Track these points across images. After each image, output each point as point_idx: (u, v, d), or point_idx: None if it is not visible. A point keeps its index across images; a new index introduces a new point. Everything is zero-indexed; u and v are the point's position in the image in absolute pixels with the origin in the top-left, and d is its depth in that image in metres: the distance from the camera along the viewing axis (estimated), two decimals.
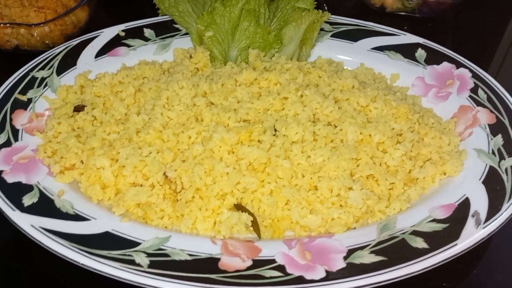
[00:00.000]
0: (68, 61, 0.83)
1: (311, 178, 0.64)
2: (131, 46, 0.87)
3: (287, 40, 0.84)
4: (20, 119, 0.74)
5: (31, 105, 0.76)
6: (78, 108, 0.75)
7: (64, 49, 0.84)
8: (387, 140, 0.67)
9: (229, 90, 0.74)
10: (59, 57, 0.83)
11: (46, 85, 0.79)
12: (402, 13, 1.02)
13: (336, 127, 0.69)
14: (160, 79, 0.78)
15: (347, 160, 0.64)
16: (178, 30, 0.90)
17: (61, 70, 0.82)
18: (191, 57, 0.83)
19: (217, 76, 0.77)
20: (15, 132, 0.71)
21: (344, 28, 0.89)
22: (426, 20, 1.01)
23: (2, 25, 0.86)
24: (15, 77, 0.78)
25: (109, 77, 0.78)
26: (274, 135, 0.68)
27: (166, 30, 0.90)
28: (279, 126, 0.68)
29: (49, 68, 0.81)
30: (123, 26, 0.89)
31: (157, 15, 0.92)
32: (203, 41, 0.87)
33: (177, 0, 0.90)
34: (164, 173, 0.65)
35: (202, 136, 0.68)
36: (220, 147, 0.66)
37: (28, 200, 0.62)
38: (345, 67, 0.84)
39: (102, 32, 0.88)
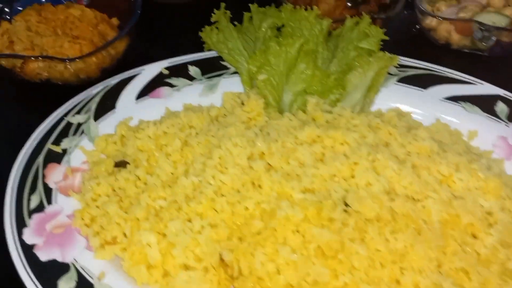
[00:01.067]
0: (107, 104, 0.74)
1: (392, 269, 0.54)
2: (174, 86, 0.78)
3: (351, 88, 0.73)
4: (54, 175, 0.64)
5: (66, 158, 0.67)
6: (119, 164, 0.65)
7: (102, 90, 0.75)
8: (477, 222, 0.57)
9: (289, 150, 0.64)
10: (97, 99, 0.74)
11: (82, 132, 0.70)
12: (468, 51, 0.91)
13: (415, 200, 0.59)
14: (210, 130, 0.68)
15: (433, 248, 0.54)
16: (225, 68, 0.80)
17: (99, 114, 0.72)
18: (242, 104, 0.73)
19: (273, 130, 0.67)
20: (48, 192, 0.62)
21: (411, 72, 0.78)
22: (495, 60, 0.90)
23: (33, 58, 0.77)
24: (49, 123, 0.69)
25: (153, 127, 0.68)
26: (345, 210, 0.58)
27: (213, 68, 0.80)
28: (351, 199, 0.58)
29: (86, 112, 0.72)
30: (166, 63, 0.80)
31: (200, 47, 0.83)
32: (254, 83, 0.77)
33: (226, 36, 0.80)
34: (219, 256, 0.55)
35: (261, 208, 0.58)
36: (284, 225, 0.56)
37: (65, 285, 0.53)
38: (413, 117, 0.74)
39: (143, 69, 0.78)
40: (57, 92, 0.82)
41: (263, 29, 0.79)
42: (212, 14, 0.83)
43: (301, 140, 0.65)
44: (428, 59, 0.83)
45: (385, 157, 0.62)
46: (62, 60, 0.77)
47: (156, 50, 0.94)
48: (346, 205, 0.58)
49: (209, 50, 0.82)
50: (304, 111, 0.73)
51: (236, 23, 0.83)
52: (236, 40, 0.80)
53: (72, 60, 0.77)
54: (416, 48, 0.93)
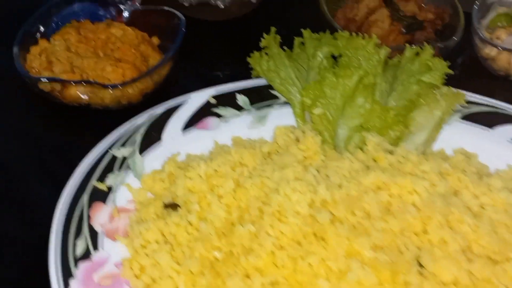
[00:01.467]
0: (152, 135, 0.69)
1: None
2: (222, 116, 0.73)
3: (416, 128, 0.68)
4: (100, 216, 0.60)
5: (111, 196, 0.62)
6: (169, 206, 0.61)
7: (147, 120, 0.70)
8: None
9: (354, 198, 0.59)
10: (142, 130, 0.69)
11: (127, 167, 0.65)
12: None
13: (494, 262, 0.54)
14: (264, 170, 0.63)
15: None
16: (275, 97, 0.75)
17: (144, 147, 0.68)
18: (297, 140, 0.68)
19: (334, 174, 0.61)
20: (94, 236, 0.58)
21: (476, 108, 0.73)
22: None
23: (73, 83, 0.72)
24: (93, 157, 0.64)
25: (204, 165, 0.63)
26: (420, 272, 0.53)
27: (262, 97, 0.75)
28: (425, 260, 0.53)
29: (131, 145, 0.67)
30: (213, 91, 0.75)
31: (241, 69, 0.78)
32: (307, 116, 0.72)
33: (277, 63, 0.75)
34: None
35: (327, 266, 0.53)
36: None
37: None
38: (479, 159, 0.68)
39: (190, 97, 0.73)
40: (96, 116, 0.78)
41: (318, 58, 0.73)
42: (262, 38, 0.78)
43: (365, 187, 0.60)
44: (486, 91, 0.77)
45: (460, 210, 0.57)
46: (105, 87, 0.72)
47: (195, 70, 0.89)
48: (420, 265, 0.53)
49: (257, 77, 0.77)
50: (361, 149, 0.68)
51: (285, 48, 0.79)
52: (288, 68, 0.75)
53: (115, 86, 0.72)
54: (471, 78, 0.88)
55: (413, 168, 0.62)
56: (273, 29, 0.78)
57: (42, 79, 0.72)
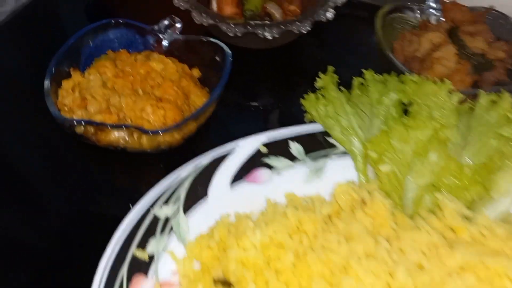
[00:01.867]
0: (198, 190, 0.61)
1: None
2: (273, 167, 0.65)
3: (498, 193, 0.59)
4: None
5: (153, 266, 0.54)
6: (221, 283, 0.53)
7: (192, 173, 0.62)
8: None
9: (438, 283, 0.50)
10: (186, 184, 0.61)
11: (171, 229, 0.58)
12: None
13: None
14: (328, 240, 0.54)
15: None
16: (333, 145, 0.67)
17: (189, 204, 0.60)
18: (363, 202, 0.60)
19: (411, 250, 0.53)
20: None
21: None
22: None
23: (110, 127, 0.65)
24: (133, 220, 0.57)
25: (259, 233, 0.55)
26: None
27: (318, 145, 0.67)
28: None
29: (175, 202, 0.59)
30: (264, 137, 0.66)
31: (292, 106, 0.70)
32: (370, 170, 0.64)
33: (337, 108, 0.67)
34: None
35: None
36: None
37: None
38: None
39: (238, 145, 0.65)
40: (132, 158, 0.71)
41: (384, 105, 0.65)
42: (317, 78, 0.70)
43: (449, 268, 0.52)
44: None
45: None
46: (145, 132, 0.64)
47: (235, 100, 0.82)
48: None
49: (311, 121, 0.69)
50: (434, 212, 0.60)
51: (342, 88, 0.70)
52: (349, 115, 0.66)
53: (156, 133, 0.64)
54: None
55: (501, 244, 0.54)
56: (330, 68, 0.70)
57: (75, 122, 0.64)
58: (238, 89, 0.84)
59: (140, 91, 0.70)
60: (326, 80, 0.69)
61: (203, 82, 0.77)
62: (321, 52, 0.91)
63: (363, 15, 0.97)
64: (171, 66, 0.74)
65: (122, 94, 0.69)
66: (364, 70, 0.69)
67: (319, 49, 0.92)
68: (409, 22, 0.86)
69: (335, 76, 0.70)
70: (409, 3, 0.86)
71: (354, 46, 0.92)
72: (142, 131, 0.64)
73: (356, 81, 0.70)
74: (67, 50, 0.74)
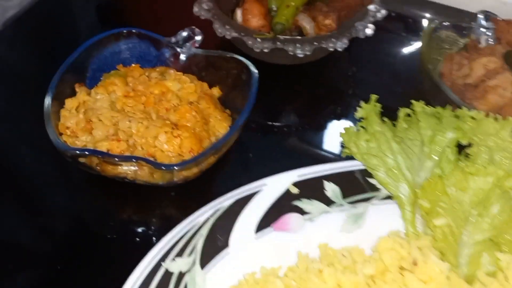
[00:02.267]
0: (217, 239, 0.52)
1: None
2: (306, 212, 0.55)
3: None
4: None
5: None
6: None
7: (210, 219, 0.53)
8: None
9: None
10: (204, 231, 0.52)
11: (185, 286, 0.48)
12: None
13: None
14: None
15: None
16: (376, 188, 0.58)
17: (207, 256, 0.50)
18: (414, 263, 0.50)
19: None
20: None
21: None
22: None
23: (118, 160, 0.55)
24: (141, 276, 0.47)
25: None
26: None
27: (357, 187, 0.58)
28: None
29: (190, 253, 0.50)
30: (294, 176, 0.57)
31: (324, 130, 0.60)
32: (419, 220, 0.55)
33: (381, 145, 0.58)
34: None
35: None
36: None
37: None
38: None
39: (265, 185, 0.56)
40: (141, 191, 0.62)
41: (438, 146, 0.55)
42: (358, 107, 0.61)
43: None
44: None
45: None
46: (157, 167, 0.55)
47: (257, 120, 0.72)
48: None
49: (348, 156, 0.60)
50: (493, 275, 0.50)
51: (385, 119, 0.61)
52: (395, 154, 0.57)
53: (170, 168, 0.55)
54: None
55: None
56: (373, 96, 0.61)
57: (77, 151, 0.55)
58: (262, 109, 0.74)
59: (154, 115, 0.61)
60: (368, 110, 0.60)
61: (225, 102, 0.68)
62: (355, 70, 0.82)
63: (401, 28, 0.88)
64: (189, 86, 0.65)
65: (132, 117, 0.60)
66: (413, 101, 0.59)
67: (352, 66, 0.83)
68: (456, 42, 0.77)
69: (378, 105, 0.61)
70: (457, 21, 0.76)
71: (392, 64, 0.83)
72: (154, 165, 0.54)
73: (402, 112, 0.61)
74: (72, 63, 0.65)
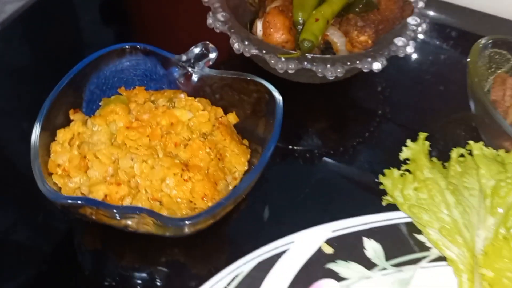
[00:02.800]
0: None
1: None
2: (342, 278, 0.46)
3: None
4: None
5: None
6: None
7: (228, 287, 0.43)
8: None
9: None
10: None
11: None
12: None
13: None
14: None
15: None
16: (425, 247, 0.48)
17: None
18: None
19: None
20: None
21: None
22: None
23: (117, 213, 0.46)
24: None
25: None
26: None
27: (403, 246, 0.48)
28: None
29: None
30: (328, 231, 0.47)
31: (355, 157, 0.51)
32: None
33: (433, 196, 0.48)
34: None
35: None
36: None
37: None
38: None
39: (292, 242, 0.47)
40: (143, 243, 0.52)
41: (503, 200, 0.46)
42: (404, 147, 0.51)
43: None
44: None
45: None
46: (165, 223, 0.45)
47: (285, 158, 0.63)
48: None
49: (388, 203, 0.50)
50: None
51: (433, 159, 0.51)
52: (450, 208, 0.47)
53: (179, 225, 0.45)
54: None
55: None
56: (422, 135, 0.51)
57: (69, 201, 0.46)
58: (284, 136, 0.64)
59: (160, 151, 0.51)
60: (415, 151, 0.50)
61: (241, 130, 0.59)
62: (387, 89, 0.72)
63: (444, 41, 0.78)
64: (201, 114, 0.55)
65: (136, 154, 0.51)
66: (470, 142, 0.50)
67: (385, 83, 0.73)
68: (509, 60, 0.67)
69: (427, 143, 0.51)
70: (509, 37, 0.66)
71: (433, 84, 0.72)
72: (161, 220, 0.45)
73: (455, 153, 0.51)
74: (67, 85, 0.55)
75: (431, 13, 0.79)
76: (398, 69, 0.73)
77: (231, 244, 0.51)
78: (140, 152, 0.51)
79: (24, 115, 0.63)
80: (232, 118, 0.59)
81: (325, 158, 0.62)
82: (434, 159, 0.52)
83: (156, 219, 0.44)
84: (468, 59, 0.62)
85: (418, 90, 0.71)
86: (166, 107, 0.55)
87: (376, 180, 0.51)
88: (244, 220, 0.54)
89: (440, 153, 0.57)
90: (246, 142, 0.58)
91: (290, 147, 0.65)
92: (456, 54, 0.75)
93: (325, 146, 0.64)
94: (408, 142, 0.51)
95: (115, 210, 0.45)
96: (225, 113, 0.59)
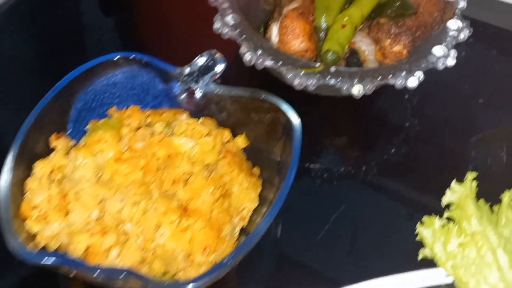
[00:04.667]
0: None
1: None
2: None
3: None
4: None
5: None
6: None
7: None
8: None
9: None
10: None
11: None
12: None
13: None
14: None
15: None
16: None
17: None
18: None
19: None
20: None
21: None
22: None
23: (99, 276, 0.38)
24: None
25: None
26: None
27: None
28: None
29: None
30: None
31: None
32: None
33: (483, 255, 0.39)
34: None
35: None
36: None
37: None
38: None
39: None
40: None
41: None
42: (447, 190, 0.42)
43: None
44: None
45: None
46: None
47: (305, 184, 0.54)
48: None
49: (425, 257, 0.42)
50: None
51: (480, 203, 0.42)
52: (502, 269, 0.38)
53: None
54: None
55: None
56: (470, 175, 0.42)
57: (43, 260, 0.38)
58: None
59: (156, 191, 0.43)
60: (461, 195, 0.41)
61: (251, 154, 0.51)
62: (422, 102, 0.63)
63: (488, 45, 0.68)
64: (205, 142, 0.47)
65: (126, 193, 0.42)
66: None
67: (416, 96, 0.63)
68: None
69: (474, 185, 0.42)
70: None
71: (472, 96, 0.63)
72: (152, 286, 0.37)
73: (507, 196, 0.42)
74: (48, 105, 0.47)
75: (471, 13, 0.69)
76: (431, 78, 0.63)
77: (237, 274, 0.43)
78: (131, 191, 0.43)
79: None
80: (241, 141, 0.50)
81: (346, 186, 0.53)
82: (481, 201, 0.43)
83: (146, 285, 0.36)
84: None
85: (455, 103, 0.62)
86: (163, 133, 0.46)
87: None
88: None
89: (485, 190, 0.47)
90: (256, 170, 0.50)
91: (306, 167, 0.56)
92: (506, 62, 0.65)
93: (347, 171, 0.55)
94: (453, 183, 0.41)
95: (98, 275, 0.37)
96: (233, 134, 0.51)
